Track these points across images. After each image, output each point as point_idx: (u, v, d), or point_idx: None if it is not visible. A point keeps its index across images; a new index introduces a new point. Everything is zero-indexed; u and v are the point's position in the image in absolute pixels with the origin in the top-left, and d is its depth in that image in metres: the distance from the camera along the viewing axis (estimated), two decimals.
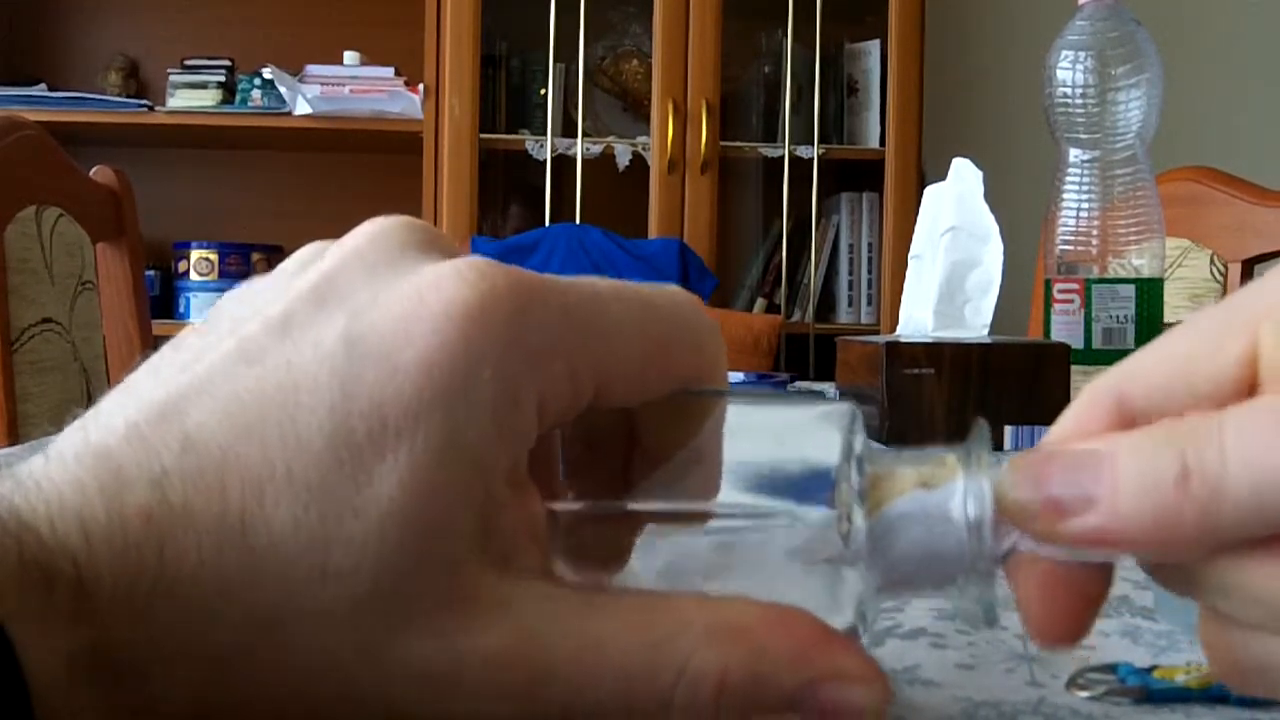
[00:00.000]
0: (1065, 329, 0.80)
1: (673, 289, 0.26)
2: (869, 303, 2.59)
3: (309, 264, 0.25)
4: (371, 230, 0.25)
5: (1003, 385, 0.75)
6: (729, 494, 0.25)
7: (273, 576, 0.22)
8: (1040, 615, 0.23)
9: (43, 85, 2.52)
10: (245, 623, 0.22)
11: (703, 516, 0.26)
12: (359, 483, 0.22)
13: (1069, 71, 0.77)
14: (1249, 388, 0.21)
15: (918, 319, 0.87)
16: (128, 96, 2.56)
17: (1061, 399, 0.74)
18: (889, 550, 0.24)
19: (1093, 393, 0.23)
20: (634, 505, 0.26)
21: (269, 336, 0.23)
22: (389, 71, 2.49)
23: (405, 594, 0.22)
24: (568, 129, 2.48)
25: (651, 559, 0.26)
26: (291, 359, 0.23)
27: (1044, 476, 0.22)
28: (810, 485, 0.25)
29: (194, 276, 2.56)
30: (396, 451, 0.22)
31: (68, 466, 0.22)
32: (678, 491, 0.26)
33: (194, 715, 0.23)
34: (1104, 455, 0.21)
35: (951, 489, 0.24)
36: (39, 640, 0.20)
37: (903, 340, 0.77)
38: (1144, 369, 0.23)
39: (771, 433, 0.26)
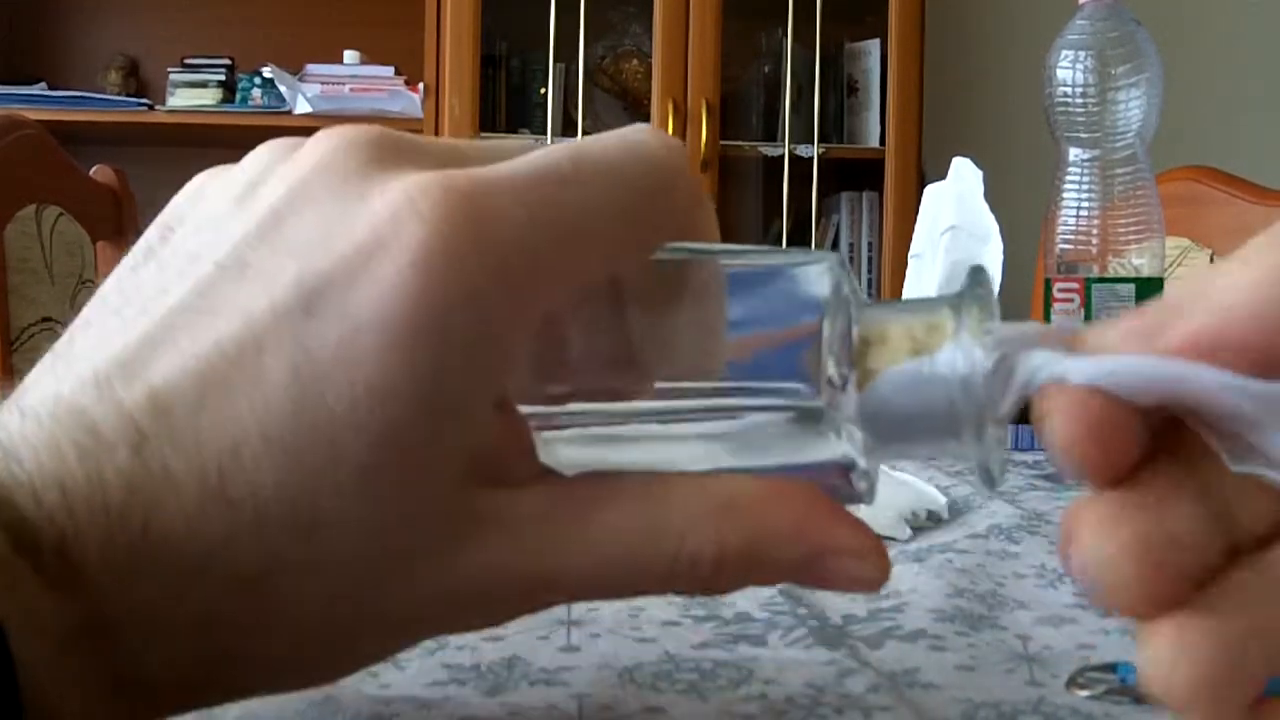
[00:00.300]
0: None
1: (638, 137, 0.25)
2: None
3: (258, 186, 0.24)
4: (320, 153, 0.24)
5: None
6: (721, 357, 0.25)
7: (256, 533, 0.22)
8: (1082, 442, 0.20)
9: (43, 84, 2.51)
10: (230, 581, 0.22)
11: (694, 399, 0.25)
12: (336, 443, 0.21)
13: (1069, 71, 0.77)
14: None
15: None
16: (128, 96, 2.56)
17: None
18: (884, 421, 0.24)
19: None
20: (620, 407, 0.25)
21: (223, 282, 0.23)
22: (389, 71, 2.49)
23: (396, 540, 0.22)
24: (568, 129, 2.48)
25: (647, 440, 0.25)
26: (248, 310, 0.22)
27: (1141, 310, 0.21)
28: (800, 340, 0.25)
29: None
30: (370, 409, 0.21)
31: (43, 425, 0.22)
32: (674, 368, 0.26)
33: (186, 679, 0.23)
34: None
35: (942, 356, 0.23)
36: (27, 616, 0.20)
37: None
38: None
39: (759, 287, 0.26)
